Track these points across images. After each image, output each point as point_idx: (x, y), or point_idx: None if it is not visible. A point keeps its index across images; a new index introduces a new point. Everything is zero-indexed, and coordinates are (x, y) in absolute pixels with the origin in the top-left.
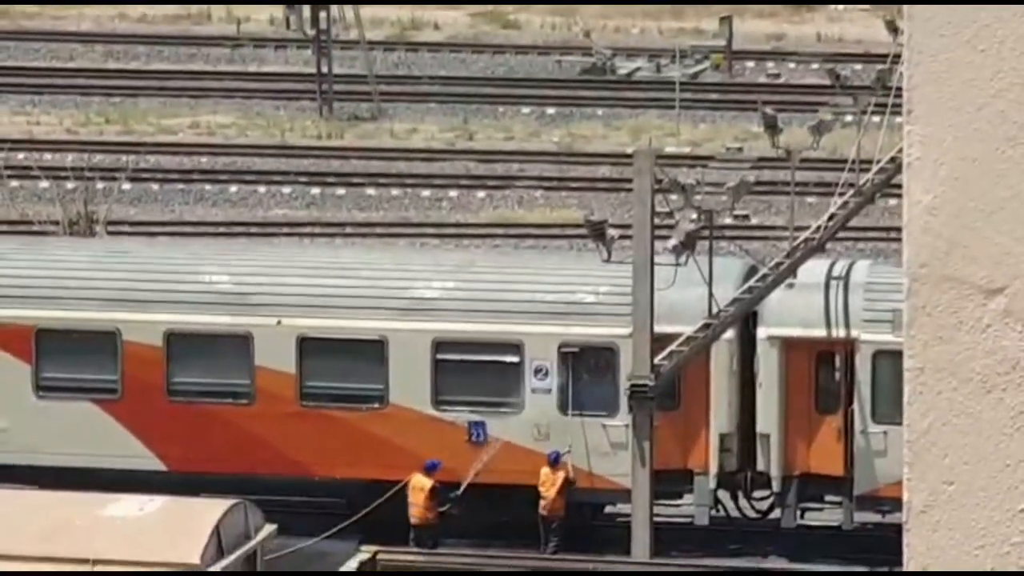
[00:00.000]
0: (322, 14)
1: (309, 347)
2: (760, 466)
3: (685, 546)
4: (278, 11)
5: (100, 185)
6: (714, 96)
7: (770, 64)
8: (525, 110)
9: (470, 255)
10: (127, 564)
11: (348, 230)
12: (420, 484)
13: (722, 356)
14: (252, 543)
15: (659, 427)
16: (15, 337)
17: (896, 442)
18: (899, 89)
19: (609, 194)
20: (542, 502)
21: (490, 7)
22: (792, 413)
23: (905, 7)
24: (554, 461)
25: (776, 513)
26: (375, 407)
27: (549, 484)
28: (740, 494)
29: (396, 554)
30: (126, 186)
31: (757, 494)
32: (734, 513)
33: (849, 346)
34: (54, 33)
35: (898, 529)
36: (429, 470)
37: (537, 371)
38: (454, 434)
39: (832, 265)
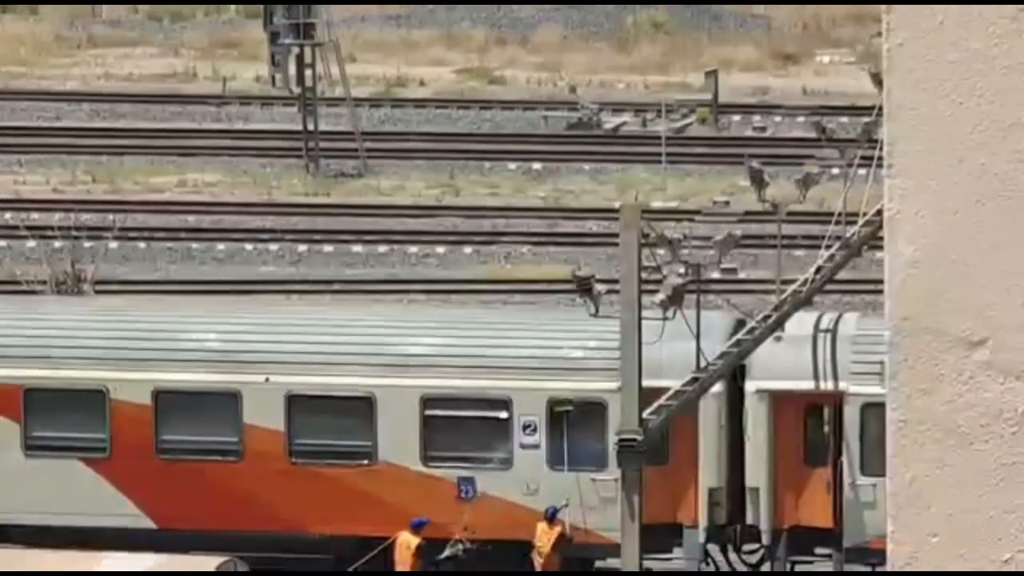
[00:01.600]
0: (307, 71)
1: (297, 404)
2: (750, 519)
3: None
4: (264, 69)
5: (87, 244)
6: (700, 150)
7: (756, 117)
8: (512, 165)
9: (457, 311)
10: None
11: (335, 287)
12: (407, 542)
13: (710, 410)
14: None
15: (648, 481)
16: (3, 396)
17: (885, 495)
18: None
19: (596, 248)
20: (537, 559)
21: (475, 64)
22: (781, 466)
23: (885, 61)
24: (551, 517)
25: (766, 566)
26: (364, 464)
27: (545, 540)
28: (730, 548)
29: None
30: (113, 244)
31: (747, 547)
32: (724, 567)
33: (838, 399)
34: (40, 92)
35: None
36: (416, 528)
37: (526, 427)
38: (443, 490)
39: (820, 318)
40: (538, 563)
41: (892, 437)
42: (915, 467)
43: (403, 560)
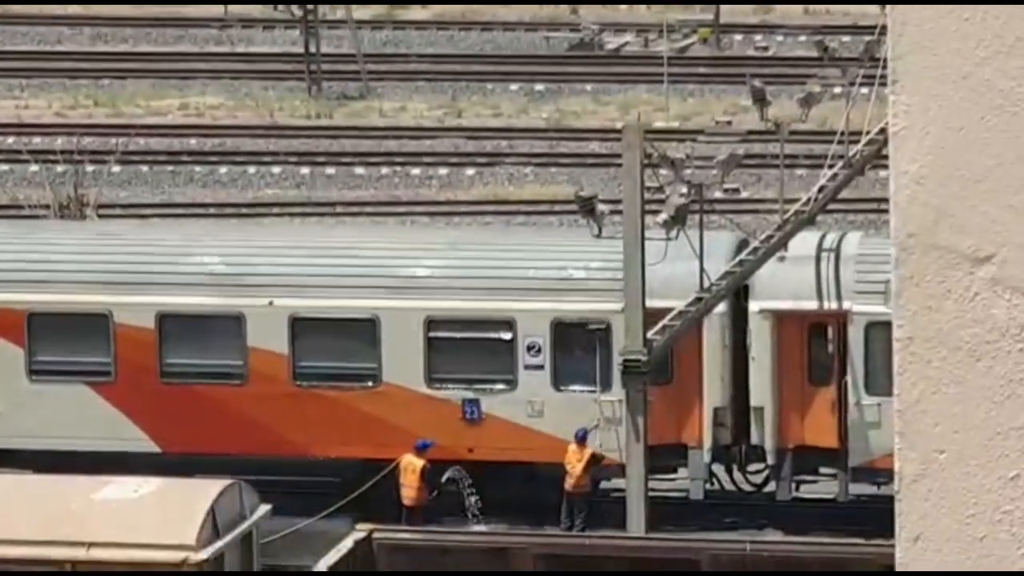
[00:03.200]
0: None
1: (301, 327)
2: (754, 439)
3: (680, 521)
4: None
5: (90, 168)
6: (702, 70)
7: (758, 37)
8: (513, 87)
9: (461, 232)
10: (123, 547)
11: (338, 209)
12: (412, 465)
13: (714, 330)
14: (247, 523)
15: (652, 402)
16: (7, 321)
17: (890, 413)
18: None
19: (599, 169)
20: (568, 479)
21: None
22: (785, 386)
23: None
24: (581, 438)
25: (771, 486)
26: (368, 386)
27: (575, 461)
28: (735, 467)
29: (392, 532)
30: (116, 168)
31: (752, 467)
32: (729, 487)
33: (841, 318)
34: (41, 17)
35: (893, 500)
36: (420, 450)
37: (530, 348)
38: (448, 412)
39: (823, 237)
40: (569, 484)
41: (898, 354)
42: (921, 384)
43: (408, 482)
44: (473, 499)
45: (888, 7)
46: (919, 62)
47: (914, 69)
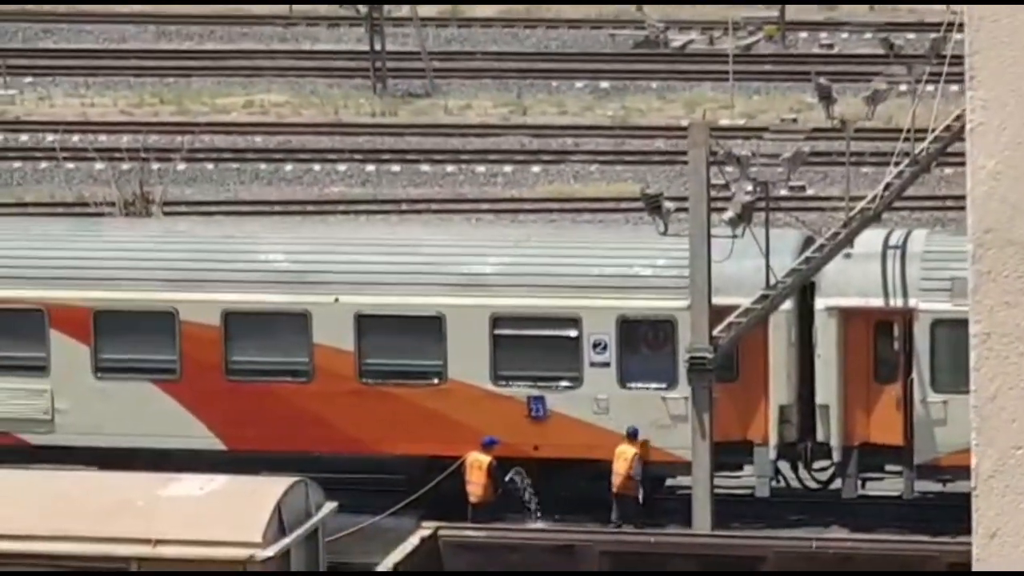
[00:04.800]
0: None
1: (367, 324)
2: (820, 437)
3: (746, 518)
4: None
5: (155, 166)
6: (768, 67)
7: (823, 34)
8: (579, 84)
9: (527, 230)
10: (188, 543)
11: (403, 207)
12: (478, 462)
13: (780, 327)
14: (313, 521)
15: (718, 399)
16: (74, 319)
17: (956, 411)
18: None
19: (664, 167)
20: (615, 478)
21: None
22: (851, 383)
23: None
24: (632, 436)
25: (837, 484)
26: (434, 383)
27: (623, 459)
28: (800, 465)
29: (457, 530)
30: (181, 166)
31: (817, 465)
32: (795, 484)
33: (908, 315)
34: (107, 15)
35: (959, 498)
36: (487, 447)
37: (596, 345)
38: (513, 409)
39: (889, 235)
40: (616, 483)
41: (975, 350)
42: (999, 380)
43: (475, 480)
44: (534, 501)
45: (965, 7)
46: (996, 57)
47: (991, 64)
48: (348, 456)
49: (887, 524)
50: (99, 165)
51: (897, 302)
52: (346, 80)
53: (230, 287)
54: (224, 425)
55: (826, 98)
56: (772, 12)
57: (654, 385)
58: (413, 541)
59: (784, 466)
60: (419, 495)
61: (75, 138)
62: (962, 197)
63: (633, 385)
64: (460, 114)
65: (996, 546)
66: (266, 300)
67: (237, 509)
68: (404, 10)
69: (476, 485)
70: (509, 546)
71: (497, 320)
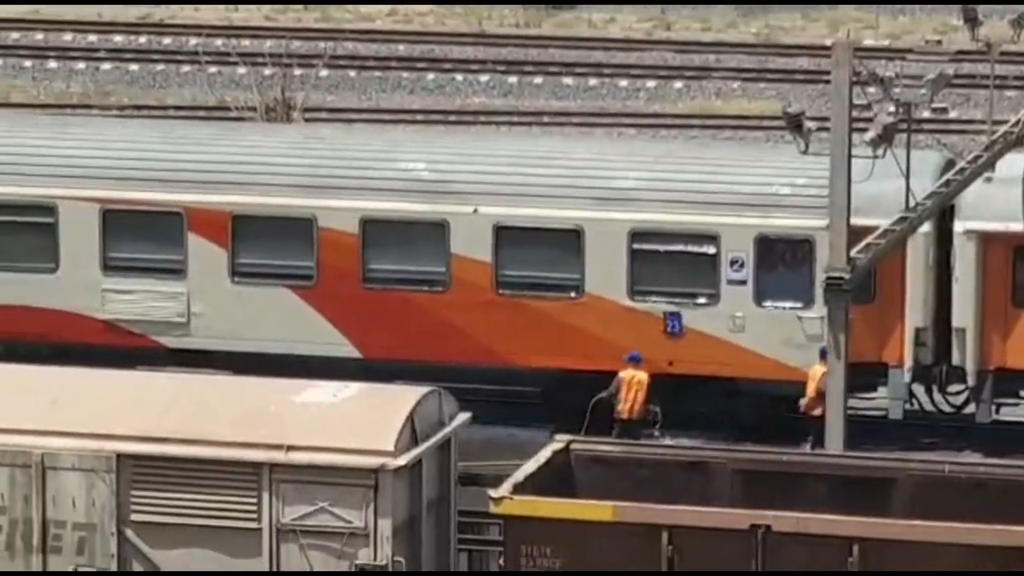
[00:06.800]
0: None
1: (505, 236)
2: (955, 360)
3: (879, 440)
4: None
5: (297, 72)
6: None
7: None
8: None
9: (667, 146)
10: (320, 450)
11: (545, 119)
12: (639, 379)
13: (918, 249)
14: (446, 431)
15: (854, 320)
16: (212, 222)
17: None
18: None
19: (807, 86)
20: (803, 399)
21: None
22: (988, 307)
23: None
24: (823, 355)
25: (971, 408)
26: (571, 296)
27: (812, 380)
28: (935, 388)
29: (589, 444)
30: (323, 73)
31: (952, 389)
32: (928, 407)
33: None
34: None
35: None
36: (635, 363)
37: (733, 262)
38: (650, 325)
39: None
40: (804, 403)
41: None
42: None
43: (631, 397)
44: (659, 430)
45: None
46: None
47: None
48: (483, 367)
49: (1021, 450)
50: (241, 70)
51: None
52: None
53: (369, 195)
54: (359, 333)
55: (971, 20)
56: None
57: (790, 304)
58: (545, 453)
59: (918, 389)
60: (555, 408)
61: (218, 42)
62: None
63: (769, 304)
64: (604, 28)
65: None
66: (404, 209)
67: (370, 417)
68: None
69: (630, 403)
70: (640, 461)
71: (635, 235)
